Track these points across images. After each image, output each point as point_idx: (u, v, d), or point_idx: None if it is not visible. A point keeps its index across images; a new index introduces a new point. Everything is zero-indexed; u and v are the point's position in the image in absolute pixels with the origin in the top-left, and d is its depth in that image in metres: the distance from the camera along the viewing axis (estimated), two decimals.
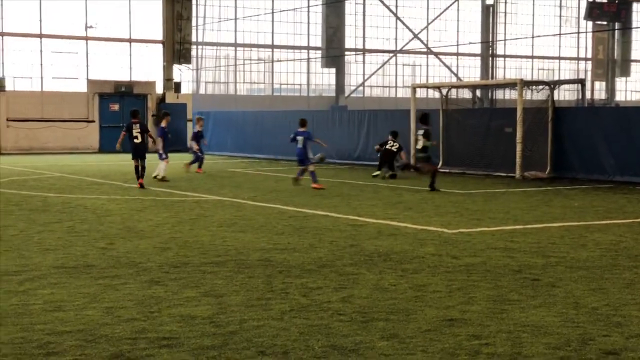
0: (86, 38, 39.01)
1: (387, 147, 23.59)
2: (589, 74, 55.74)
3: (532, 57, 55.06)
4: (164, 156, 21.26)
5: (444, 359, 5.68)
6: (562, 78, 52.79)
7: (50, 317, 6.78)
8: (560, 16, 56.39)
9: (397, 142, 23.72)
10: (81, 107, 38.40)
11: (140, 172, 19.23)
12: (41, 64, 38.13)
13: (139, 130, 19.46)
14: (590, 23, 55.52)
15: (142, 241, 10.98)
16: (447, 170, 25.03)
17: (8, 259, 9.55)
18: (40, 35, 37.99)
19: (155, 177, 20.95)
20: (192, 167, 24.81)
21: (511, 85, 26.79)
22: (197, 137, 25.55)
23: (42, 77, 38.23)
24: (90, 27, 38.86)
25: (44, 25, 37.92)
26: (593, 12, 54.01)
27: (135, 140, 19.42)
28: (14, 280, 8.31)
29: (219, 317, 6.78)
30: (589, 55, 56.62)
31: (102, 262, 9.38)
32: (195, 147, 25.34)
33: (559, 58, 56.34)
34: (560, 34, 53.29)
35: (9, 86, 36.95)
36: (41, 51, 38.13)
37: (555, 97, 24.38)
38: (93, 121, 38.62)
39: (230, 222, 13.01)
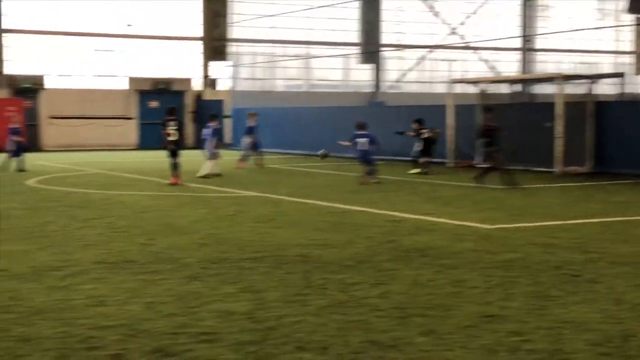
0: (126, 36, 39.38)
1: (423, 137, 23.50)
2: (630, 67, 54.95)
3: (572, 50, 54.44)
4: (216, 155, 21.58)
5: (484, 355, 5.65)
6: (602, 72, 52.10)
7: (92, 312, 6.86)
8: (600, 9, 55.67)
9: (426, 127, 23.76)
10: (121, 105, 38.80)
11: (174, 169, 19.30)
12: (82, 62, 38.56)
13: (174, 127, 19.55)
14: (631, 16, 54.69)
15: (181, 237, 11.06)
16: (486, 166, 24.84)
17: (50, 255, 9.69)
18: (81, 34, 38.41)
19: (204, 175, 21.10)
20: (259, 161, 25.42)
21: (550, 79, 26.52)
22: (252, 132, 26.06)
23: (82, 75, 38.66)
24: (130, 25, 39.23)
25: (84, 23, 38.35)
26: (635, 5, 53.19)
27: (170, 138, 19.51)
28: (56, 276, 8.43)
29: (258, 313, 6.82)
30: (630, 49, 55.85)
31: (142, 258, 9.47)
32: (248, 141, 26.02)
33: (599, 52, 55.60)
34: (600, 27, 52.61)
35: (50, 84, 37.43)
36: (81, 50, 38.56)
37: (596, 91, 24.09)
38: (132, 118, 38.99)
39: (268, 218, 13.05)
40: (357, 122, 20.88)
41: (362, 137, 20.08)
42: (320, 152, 23.47)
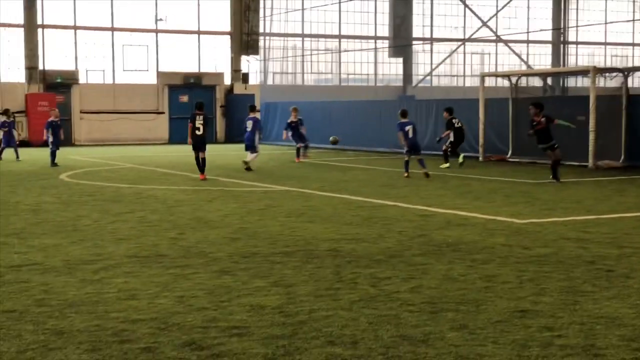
0: (156, 31, 39.59)
1: (457, 125, 23.39)
2: None
3: (605, 43, 53.84)
4: (255, 149, 21.88)
5: (515, 350, 5.61)
6: (636, 65, 51.42)
7: (124, 305, 6.91)
8: (634, 1, 54.97)
9: (455, 116, 23.66)
10: (151, 99, 39.03)
11: (201, 165, 19.33)
12: (113, 57, 38.85)
13: (202, 122, 19.62)
14: None
15: (211, 231, 11.11)
16: (517, 160, 24.73)
17: (83, 248, 9.78)
18: (112, 29, 38.69)
19: (248, 162, 21.61)
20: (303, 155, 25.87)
21: (583, 72, 26.26)
22: (290, 127, 26.22)
23: (113, 70, 38.96)
24: (160, 19, 39.44)
25: (115, 19, 38.62)
26: None
27: (197, 132, 19.57)
28: (89, 269, 8.50)
29: (288, 307, 6.82)
30: None
31: (173, 252, 9.52)
32: (284, 136, 26.61)
33: (633, 44, 54.93)
34: (634, 20, 51.94)
35: (82, 79, 37.76)
36: (113, 44, 38.85)
37: (630, 85, 23.81)
38: (163, 113, 39.22)
39: (299, 213, 13.06)
40: (401, 109, 20.60)
41: (408, 125, 19.88)
42: (331, 138, 24.07)
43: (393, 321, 6.36)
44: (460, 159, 22.77)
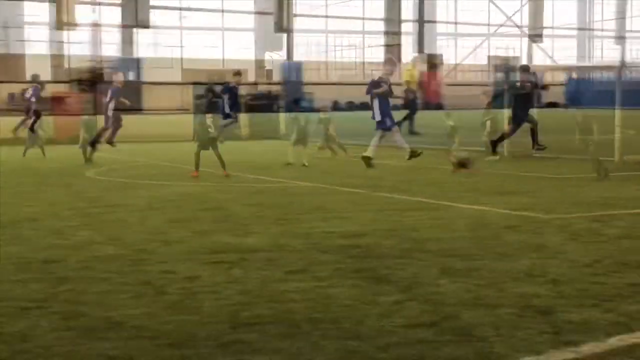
0: (180, 28, 39.80)
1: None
2: None
3: (631, 37, 53.38)
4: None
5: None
6: None
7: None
8: None
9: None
10: (176, 97, 39.23)
11: (221, 163, 19.32)
12: (137, 55, 39.10)
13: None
14: None
15: (235, 227, 11.15)
16: (542, 155, 24.58)
17: (110, 245, 9.87)
18: (136, 26, 38.94)
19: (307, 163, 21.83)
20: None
21: (609, 67, 26.09)
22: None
23: (138, 67, 39.21)
24: (184, 17, 39.65)
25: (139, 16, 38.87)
26: None
27: (210, 129, 19.65)
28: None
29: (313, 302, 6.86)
30: None
31: (200, 248, 9.59)
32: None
33: None
34: None
35: (107, 77, 38.04)
36: (137, 42, 39.10)
37: None
38: (187, 109, 39.39)
39: (320, 208, 13.07)
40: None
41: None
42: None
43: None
44: (496, 157, 23.02)
